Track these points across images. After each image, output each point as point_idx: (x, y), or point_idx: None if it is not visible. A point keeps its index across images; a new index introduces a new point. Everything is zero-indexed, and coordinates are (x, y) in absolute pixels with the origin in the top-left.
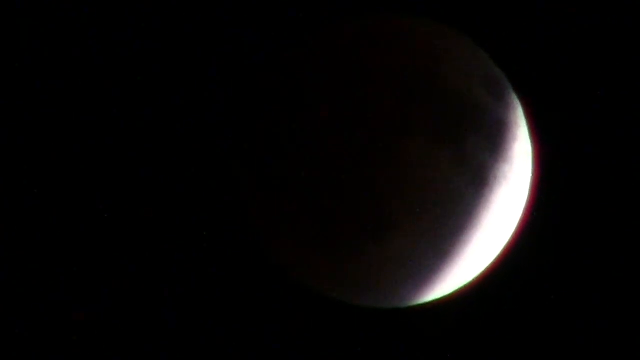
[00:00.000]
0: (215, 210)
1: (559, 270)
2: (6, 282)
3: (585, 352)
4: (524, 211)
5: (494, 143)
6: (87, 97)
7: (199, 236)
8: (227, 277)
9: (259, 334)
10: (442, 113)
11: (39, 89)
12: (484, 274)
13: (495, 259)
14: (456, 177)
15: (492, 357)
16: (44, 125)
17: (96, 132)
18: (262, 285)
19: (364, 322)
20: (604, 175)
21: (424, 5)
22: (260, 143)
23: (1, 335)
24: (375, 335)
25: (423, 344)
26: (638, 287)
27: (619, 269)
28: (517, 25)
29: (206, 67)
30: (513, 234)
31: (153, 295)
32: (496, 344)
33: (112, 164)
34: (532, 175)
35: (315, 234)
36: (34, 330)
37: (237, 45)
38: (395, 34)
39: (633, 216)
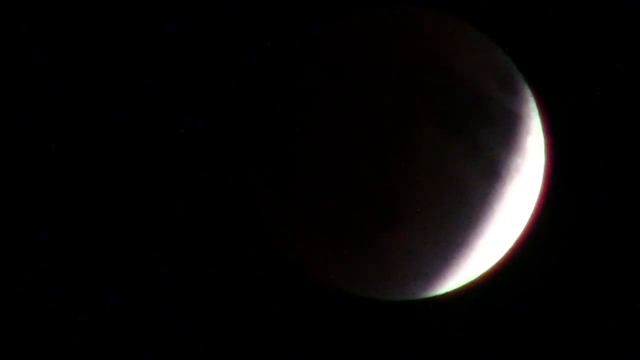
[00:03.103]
0: (223, 205)
1: (571, 263)
2: (6, 283)
3: (597, 343)
4: (536, 204)
5: (506, 135)
6: (86, 99)
7: (206, 229)
8: (235, 270)
9: (268, 327)
10: (454, 106)
11: (42, 89)
12: (496, 267)
13: (507, 252)
14: (468, 170)
15: (503, 350)
16: (45, 126)
17: (96, 134)
18: (271, 279)
19: (374, 315)
20: (617, 167)
21: None
22: (268, 136)
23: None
24: (386, 328)
25: (434, 336)
26: None
27: (631, 261)
28: (529, 17)
29: (219, 59)
30: (525, 226)
31: (162, 293)
32: (507, 337)
33: (116, 166)
34: (545, 167)
35: (324, 226)
36: (44, 332)
37: (240, 43)
38: (406, 26)
39: None
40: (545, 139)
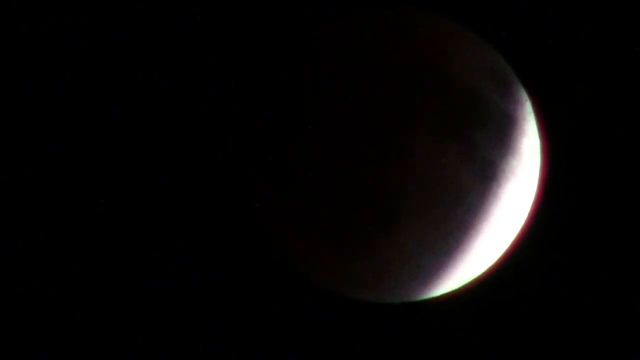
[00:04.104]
0: (223, 205)
1: (566, 266)
2: (6, 283)
3: (593, 346)
4: (531, 206)
5: (502, 138)
6: (86, 98)
7: (206, 229)
8: (235, 270)
9: (267, 327)
10: (450, 108)
11: (41, 89)
12: (491, 269)
13: (503, 254)
14: (464, 172)
15: (500, 352)
16: (45, 126)
17: (96, 134)
18: (271, 279)
19: (371, 316)
20: (612, 170)
21: (431, 1)
22: (268, 136)
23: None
24: (383, 330)
25: (431, 338)
26: None
27: (627, 264)
28: (525, 20)
29: (219, 59)
30: (521, 228)
31: (162, 294)
32: (503, 339)
33: (116, 166)
34: (540, 170)
35: (322, 228)
36: (44, 332)
37: (240, 43)
38: (402, 29)
39: None
40: (540, 142)
